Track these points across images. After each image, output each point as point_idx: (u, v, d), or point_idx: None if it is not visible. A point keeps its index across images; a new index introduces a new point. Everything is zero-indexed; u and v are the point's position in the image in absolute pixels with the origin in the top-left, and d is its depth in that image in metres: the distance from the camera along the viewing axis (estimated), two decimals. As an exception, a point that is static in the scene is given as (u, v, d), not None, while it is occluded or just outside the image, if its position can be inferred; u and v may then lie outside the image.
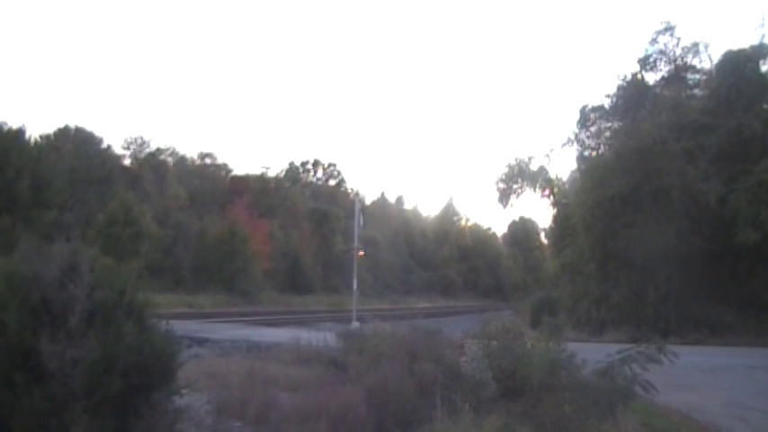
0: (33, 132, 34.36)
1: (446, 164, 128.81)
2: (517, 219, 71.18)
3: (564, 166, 77.99)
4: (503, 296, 66.67)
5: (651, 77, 28.06)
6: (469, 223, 78.94)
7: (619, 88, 27.71)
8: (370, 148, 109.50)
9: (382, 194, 71.36)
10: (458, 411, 5.17)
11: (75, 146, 36.18)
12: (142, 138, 43.86)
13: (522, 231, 76.36)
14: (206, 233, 37.19)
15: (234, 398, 5.38)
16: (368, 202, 61.65)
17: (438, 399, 5.31)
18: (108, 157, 38.70)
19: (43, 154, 29.87)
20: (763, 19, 27.84)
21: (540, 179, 33.87)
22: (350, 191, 62.01)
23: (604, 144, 27.56)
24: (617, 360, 6.75)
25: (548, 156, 33.38)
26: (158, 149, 44.88)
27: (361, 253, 24.01)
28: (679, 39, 27.16)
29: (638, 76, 27.89)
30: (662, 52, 27.44)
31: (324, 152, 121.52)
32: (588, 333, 21.58)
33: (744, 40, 35.14)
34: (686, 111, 24.80)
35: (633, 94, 26.85)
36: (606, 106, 28.44)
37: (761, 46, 24.66)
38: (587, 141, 29.36)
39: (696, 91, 27.56)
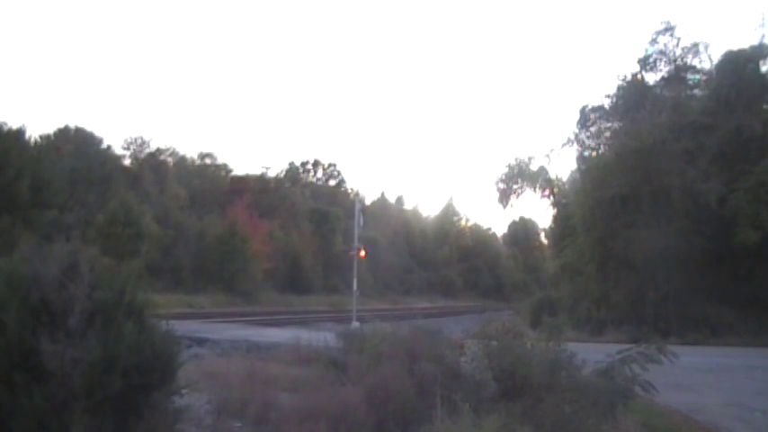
0: (33, 132, 34.55)
1: (446, 164, 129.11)
2: (517, 219, 71.27)
3: (564, 166, 77.97)
4: (503, 296, 66.66)
5: (651, 77, 28.07)
6: (469, 223, 79.09)
7: (619, 88, 27.70)
8: (370, 148, 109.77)
9: (382, 194, 71.54)
10: (458, 411, 5.16)
11: (75, 146, 36.20)
12: (142, 138, 43.90)
13: (522, 231, 76.34)
14: (206, 233, 37.19)
15: (234, 398, 5.38)
16: (368, 202, 61.78)
17: (438, 399, 5.31)
18: (108, 157, 38.70)
19: (43, 154, 29.87)
20: (763, 19, 27.81)
21: (540, 179, 33.86)
22: (350, 191, 62.13)
23: (604, 144, 27.55)
24: (617, 360, 6.76)
25: (548, 156, 33.40)
26: (158, 149, 44.93)
27: (363, 253, 23.98)
28: (679, 39, 27.17)
29: (638, 76, 27.87)
30: (662, 52, 27.42)
31: (324, 152, 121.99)
32: (588, 333, 21.57)
33: (744, 40, 35.17)
34: (686, 111, 24.78)
35: (633, 95, 26.82)
36: (606, 106, 28.42)
37: (761, 46, 24.65)
38: (587, 141, 29.35)
39: (696, 91, 27.54)
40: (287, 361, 8.02)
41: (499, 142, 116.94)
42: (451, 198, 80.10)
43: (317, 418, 4.95)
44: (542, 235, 65.39)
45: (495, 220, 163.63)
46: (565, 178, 33.84)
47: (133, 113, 77.80)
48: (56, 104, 79.37)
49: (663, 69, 27.64)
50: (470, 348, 6.83)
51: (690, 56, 27.21)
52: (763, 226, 20.88)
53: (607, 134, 27.80)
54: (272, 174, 54.31)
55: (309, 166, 62.71)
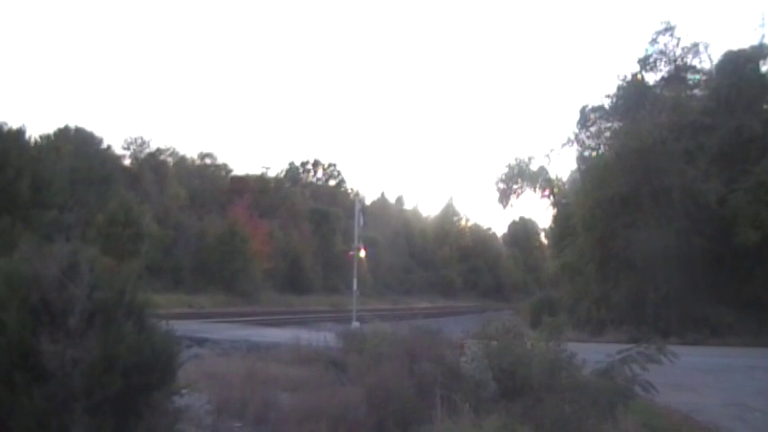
0: (33, 132, 34.44)
1: (446, 164, 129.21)
2: (517, 219, 71.24)
3: (564, 166, 77.88)
4: (503, 296, 66.66)
5: (651, 77, 28.11)
6: (469, 223, 79.06)
7: (619, 88, 27.72)
8: (370, 148, 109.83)
9: (382, 194, 71.52)
10: (458, 411, 5.17)
11: (75, 146, 36.13)
12: (142, 138, 43.86)
13: (522, 231, 76.34)
14: (206, 233, 37.17)
15: (234, 398, 5.38)
16: (368, 202, 61.73)
17: (438, 399, 5.31)
18: (108, 157, 38.67)
19: (43, 154, 29.88)
20: (763, 19, 27.92)
21: (540, 179, 33.85)
22: (350, 191, 62.09)
23: (604, 144, 27.56)
24: (617, 360, 6.76)
25: (548, 156, 33.42)
26: (158, 149, 44.90)
27: (363, 253, 23.97)
28: (679, 39, 27.20)
29: (638, 76, 27.90)
30: (662, 52, 27.45)
31: (324, 152, 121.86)
32: (588, 333, 21.58)
33: (744, 40, 35.20)
34: (686, 111, 24.79)
35: (633, 95, 26.84)
36: (606, 106, 28.45)
37: (761, 46, 24.68)
38: (587, 141, 29.37)
39: (696, 91, 27.55)
40: (287, 361, 8.01)
41: (499, 142, 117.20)
42: (451, 198, 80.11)
43: (317, 418, 4.95)
44: (542, 235, 65.45)
45: (495, 220, 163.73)
46: (565, 178, 33.88)
47: (133, 113, 77.92)
48: (56, 104, 79.45)
49: (663, 69, 27.69)
50: (470, 348, 6.83)
51: (690, 56, 27.26)
52: (763, 226, 20.87)
53: (607, 134, 27.82)
54: (272, 174, 54.41)
55: (309, 166, 62.75)
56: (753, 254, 21.26)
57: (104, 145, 39.16)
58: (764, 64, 24.40)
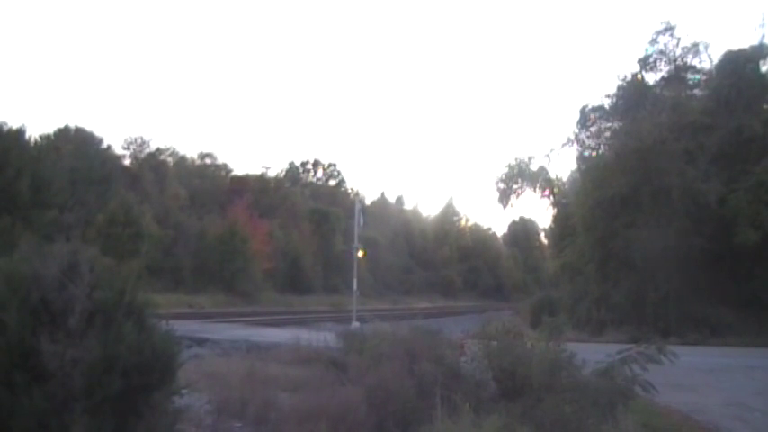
0: (33, 132, 34.47)
1: (446, 164, 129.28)
2: (517, 219, 71.31)
3: (564, 166, 77.80)
4: (503, 296, 66.65)
5: (651, 77, 28.09)
6: (469, 223, 79.11)
7: (619, 88, 27.71)
8: (370, 148, 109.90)
9: (382, 194, 71.50)
10: (458, 411, 5.16)
11: (75, 146, 36.17)
12: (142, 138, 43.86)
13: (522, 231, 76.36)
14: (206, 233, 37.16)
15: (234, 398, 5.38)
16: (368, 202, 61.72)
17: (438, 399, 5.31)
18: (108, 157, 38.70)
19: (43, 154, 29.87)
20: (763, 19, 27.87)
21: (540, 179, 33.84)
22: (350, 191, 62.14)
23: (604, 144, 27.56)
24: (617, 360, 6.76)
25: (548, 156, 33.39)
26: (158, 149, 44.91)
27: (361, 253, 23.98)
28: (679, 39, 27.18)
29: (638, 76, 27.88)
30: (662, 52, 27.43)
31: (324, 152, 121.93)
32: (588, 333, 21.59)
33: (744, 40, 35.18)
34: (686, 111, 24.79)
35: (633, 95, 26.83)
36: (606, 106, 28.43)
37: (761, 46, 24.68)
38: (587, 141, 29.35)
39: (696, 91, 27.55)
40: (287, 361, 8.02)
41: (499, 142, 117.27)
42: (451, 198, 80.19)
43: (317, 418, 4.95)
44: (542, 235, 65.54)
45: (495, 220, 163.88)
46: (565, 178, 33.87)
47: (133, 113, 77.94)
48: (56, 104, 79.50)
49: (663, 69, 27.67)
50: (470, 348, 6.84)
51: (690, 56, 27.24)
52: (763, 226, 20.89)
53: (607, 134, 27.81)
54: (272, 174, 54.44)
55: (309, 166, 62.81)
56: (752, 254, 21.27)
57: (104, 145, 39.26)
58: (764, 64, 24.43)
